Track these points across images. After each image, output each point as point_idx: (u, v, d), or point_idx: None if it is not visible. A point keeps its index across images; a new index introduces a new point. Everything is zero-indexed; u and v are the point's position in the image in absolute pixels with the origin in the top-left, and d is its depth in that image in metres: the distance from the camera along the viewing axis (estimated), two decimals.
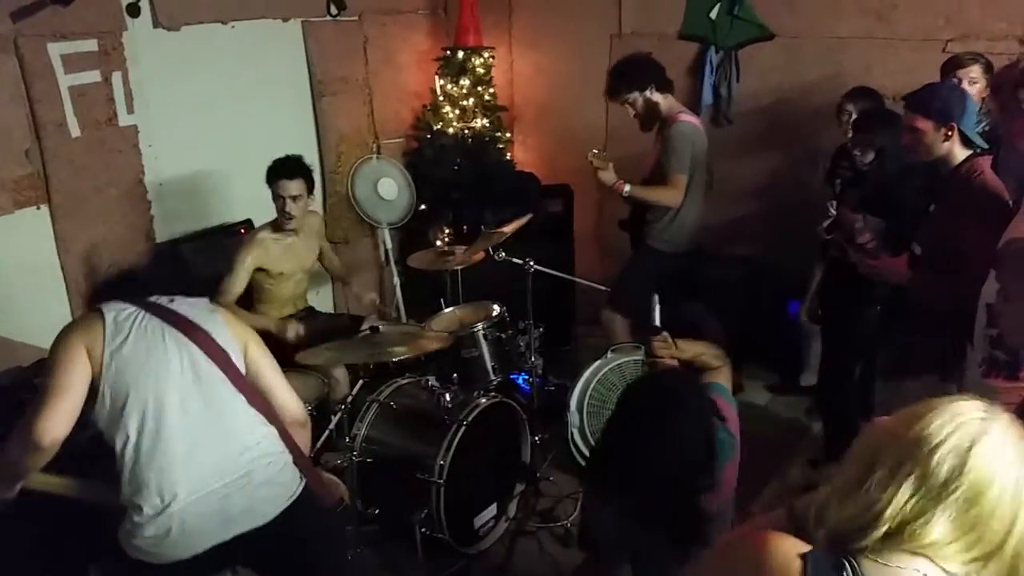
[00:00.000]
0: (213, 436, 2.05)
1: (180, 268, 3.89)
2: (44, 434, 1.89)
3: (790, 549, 1.15)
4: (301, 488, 2.18)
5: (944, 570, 1.10)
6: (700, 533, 2.07)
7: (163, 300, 2.14)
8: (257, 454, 2.10)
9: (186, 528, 1.97)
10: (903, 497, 1.10)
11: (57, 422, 1.90)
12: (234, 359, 2.13)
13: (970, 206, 2.57)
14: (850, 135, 3.77)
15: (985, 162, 2.65)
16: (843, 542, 1.13)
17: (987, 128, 3.30)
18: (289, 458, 2.18)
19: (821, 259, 4.11)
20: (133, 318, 2.05)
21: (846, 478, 1.16)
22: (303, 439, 2.30)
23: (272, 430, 2.16)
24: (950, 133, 2.63)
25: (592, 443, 3.63)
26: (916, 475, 1.11)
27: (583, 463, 3.63)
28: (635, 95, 3.85)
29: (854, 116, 3.73)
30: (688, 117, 3.88)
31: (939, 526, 1.09)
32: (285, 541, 2.12)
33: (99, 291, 2.22)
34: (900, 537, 1.11)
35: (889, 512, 1.10)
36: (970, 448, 1.10)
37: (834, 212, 3.84)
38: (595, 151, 3.96)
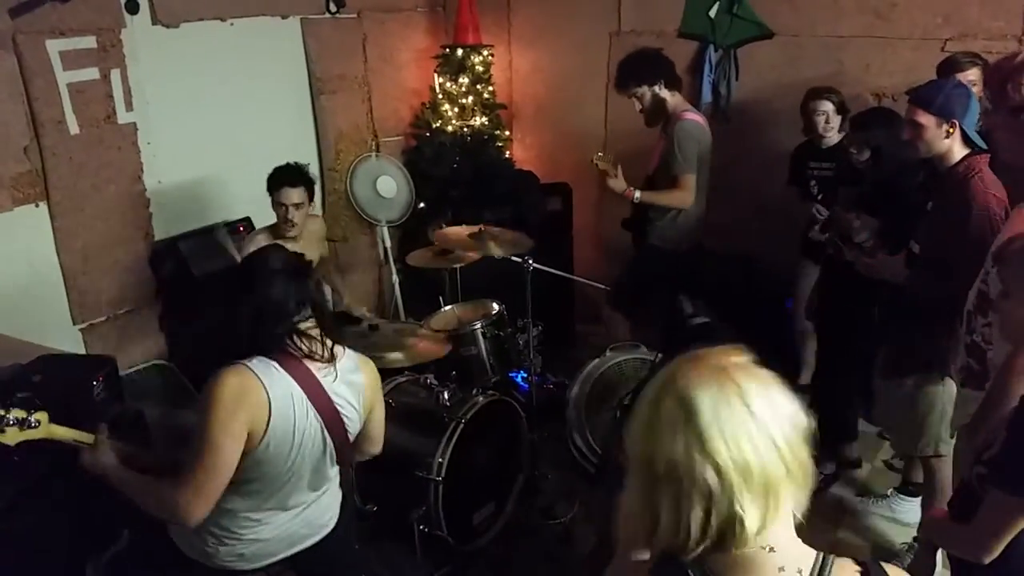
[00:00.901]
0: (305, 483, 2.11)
1: (178, 266, 3.89)
2: (193, 517, 1.88)
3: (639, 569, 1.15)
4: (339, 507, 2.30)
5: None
6: None
7: (315, 366, 2.01)
8: (322, 499, 2.20)
9: (261, 550, 2.09)
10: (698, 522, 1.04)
11: (207, 505, 1.88)
12: (353, 436, 2.15)
13: (967, 204, 2.58)
14: (827, 136, 3.81)
15: (983, 161, 2.66)
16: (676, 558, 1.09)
17: (979, 129, 3.30)
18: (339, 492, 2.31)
19: (807, 258, 4.13)
20: (286, 387, 1.95)
21: (633, 511, 1.11)
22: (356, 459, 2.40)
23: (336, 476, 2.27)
24: (951, 130, 2.63)
25: (591, 441, 3.64)
26: (694, 494, 1.03)
27: (583, 462, 3.65)
28: (643, 89, 3.85)
29: (831, 115, 3.77)
30: (694, 116, 3.88)
31: (748, 517, 1.03)
32: (329, 555, 2.24)
33: (264, 336, 1.98)
34: (724, 544, 1.05)
35: (694, 541, 1.04)
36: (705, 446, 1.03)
37: (821, 214, 3.86)
38: (599, 154, 3.96)
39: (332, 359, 2.04)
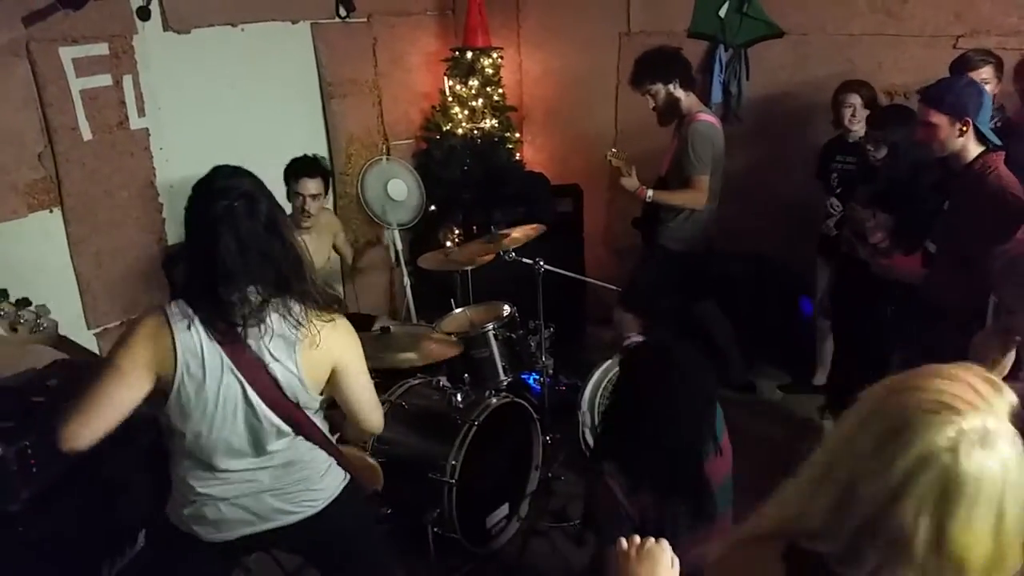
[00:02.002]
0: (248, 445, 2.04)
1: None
2: (69, 441, 1.84)
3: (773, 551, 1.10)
4: (340, 489, 2.21)
5: None
6: (706, 505, 2.14)
7: (254, 334, 1.93)
8: (290, 466, 2.10)
9: (221, 516, 2.04)
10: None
11: (86, 434, 1.84)
12: (304, 402, 2.03)
13: (984, 203, 2.56)
14: (853, 129, 3.78)
15: (999, 158, 2.64)
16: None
17: (999, 124, 3.28)
18: (329, 464, 2.19)
19: (821, 256, 4.11)
20: (200, 349, 1.90)
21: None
22: (356, 439, 2.35)
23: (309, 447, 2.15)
24: (965, 128, 2.61)
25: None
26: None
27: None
28: (658, 87, 3.85)
29: (858, 109, 3.74)
30: (707, 116, 3.87)
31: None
32: (322, 534, 2.18)
33: (189, 287, 1.98)
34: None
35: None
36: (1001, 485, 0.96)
37: (834, 209, 3.84)
38: (613, 150, 3.96)
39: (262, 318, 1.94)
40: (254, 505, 2.06)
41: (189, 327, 1.89)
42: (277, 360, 1.95)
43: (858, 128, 3.82)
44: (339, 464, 2.21)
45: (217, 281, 1.89)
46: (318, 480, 2.15)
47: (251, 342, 1.93)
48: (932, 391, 1.01)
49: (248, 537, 2.09)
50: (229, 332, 1.91)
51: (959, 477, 0.95)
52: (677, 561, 1.44)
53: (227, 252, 1.89)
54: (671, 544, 1.45)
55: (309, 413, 2.07)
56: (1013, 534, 0.96)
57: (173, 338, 1.87)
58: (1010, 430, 0.99)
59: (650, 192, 3.84)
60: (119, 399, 1.84)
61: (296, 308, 1.97)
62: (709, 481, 2.19)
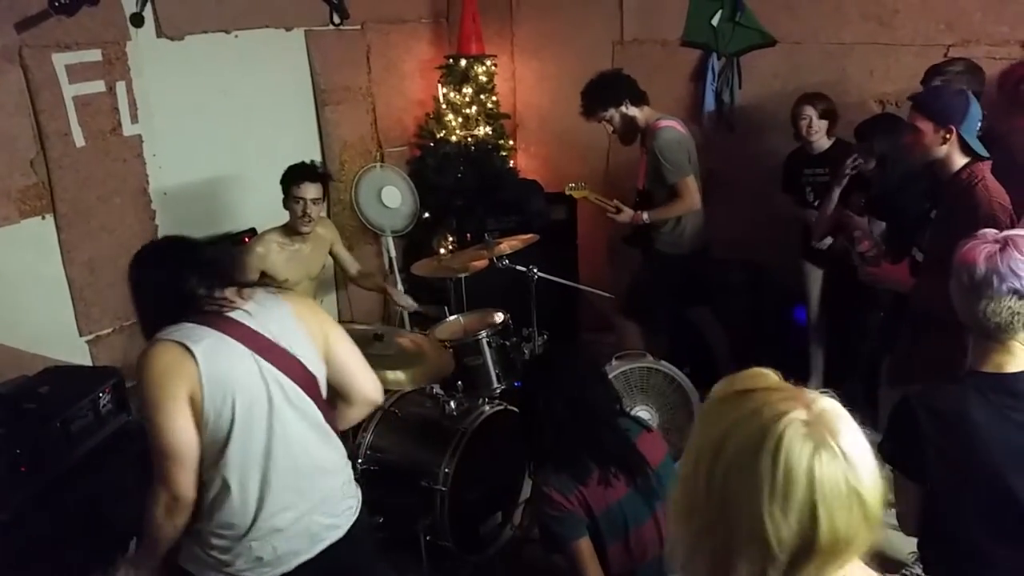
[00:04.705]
0: (306, 465, 2.02)
1: None
2: (184, 496, 1.86)
3: None
4: (360, 495, 2.21)
5: None
6: (646, 477, 2.33)
7: (241, 313, 1.96)
8: (334, 470, 2.12)
9: (279, 554, 1.98)
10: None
11: (189, 480, 1.86)
12: (318, 376, 2.05)
13: (971, 212, 2.57)
14: (813, 140, 3.83)
15: (985, 168, 2.65)
16: None
17: (979, 134, 3.31)
18: (348, 463, 2.20)
19: (808, 262, 4.14)
20: (220, 350, 1.89)
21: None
22: (361, 416, 2.28)
23: (341, 450, 2.16)
24: (948, 136, 2.63)
25: None
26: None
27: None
28: (611, 112, 3.90)
29: (814, 120, 3.79)
30: (668, 122, 3.89)
31: None
32: (360, 547, 2.16)
33: (164, 310, 1.95)
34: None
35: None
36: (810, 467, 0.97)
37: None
38: (572, 184, 4.03)
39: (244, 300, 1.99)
40: (307, 522, 2.01)
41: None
42: (284, 333, 1.99)
43: (816, 139, 3.88)
44: None
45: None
46: (345, 481, 2.15)
47: (252, 323, 1.95)
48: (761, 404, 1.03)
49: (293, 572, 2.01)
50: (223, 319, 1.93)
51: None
52: None
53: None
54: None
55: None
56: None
57: (190, 350, 1.85)
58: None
59: (645, 215, 3.89)
60: (186, 446, 1.85)
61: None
62: (643, 455, 2.35)
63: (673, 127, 3.89)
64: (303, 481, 2.00)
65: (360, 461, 3.09)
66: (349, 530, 2.10)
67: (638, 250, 4.25)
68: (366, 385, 2.18)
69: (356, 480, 2.23)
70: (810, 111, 3.82)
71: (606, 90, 3.89)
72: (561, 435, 2.32)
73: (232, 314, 1.94)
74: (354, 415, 2.24)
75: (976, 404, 1.78)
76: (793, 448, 0.97)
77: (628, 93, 3.89)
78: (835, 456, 0.98)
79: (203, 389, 1.83)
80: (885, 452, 1.87)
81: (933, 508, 1.87)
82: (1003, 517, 1.79)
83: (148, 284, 2.02)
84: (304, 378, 2.00)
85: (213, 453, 1.89)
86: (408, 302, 3.96)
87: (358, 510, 2.17)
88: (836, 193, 3.48)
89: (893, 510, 3.51)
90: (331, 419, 2.11)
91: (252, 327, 1.95)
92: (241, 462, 1.91)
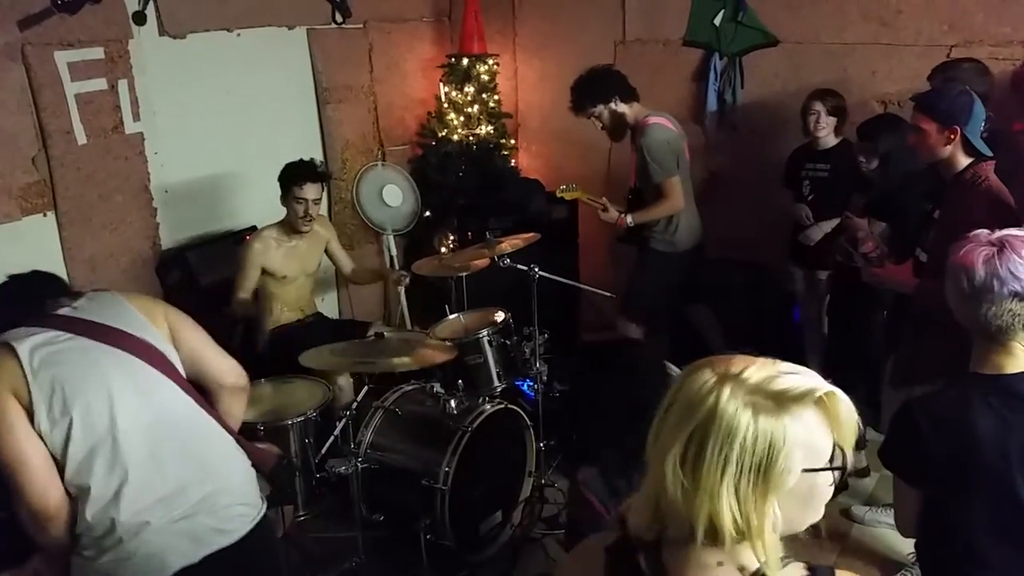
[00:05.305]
0: (171, 452, 1.89)
1: (185, 275, 3.90)
2: (52, 505, 1.76)
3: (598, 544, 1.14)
4: (265, 506, 2.05)
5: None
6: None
7: (68, 309, 1.92)
8: (219, 466, 1.97)
9: (152, 551, 1.82)
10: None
11: (51, 488, 1.76)
12: (171, 357, 1.96)
13: (975, 212, 2.57)
14: (819, 136, 3.83)
15: (989, 168, 2.65)
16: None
17: (984, 135, 3.30)
18: (250, 468, 2.05)
19: (795, 264, 4.15)
20: (50, 344, 1.81)
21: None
22: (238, 407, 2.14)
23: (220, 432, 2.01)
24: (952, 136, 2.63)
25: None
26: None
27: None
28: (600, 108, 3.87)
29: (822, 116, 3.80)
30: (656, 119, 3.87)
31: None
32: (255, 559, 1.99)
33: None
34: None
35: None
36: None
37: (808, 219, 3.89)
38: (563, 187, 4.02)
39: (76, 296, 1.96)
40: (186, 523, 1.86)
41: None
42: (123, 318, 1.94)
43: (823, 135, 3.88)
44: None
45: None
46: (239, 480, 2.00)
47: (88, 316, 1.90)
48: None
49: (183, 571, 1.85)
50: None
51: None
52: None
53: None
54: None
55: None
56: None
57: (12, 347, 1.79)
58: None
59: (629, 218, 3.87)
60: (27, 455, 1.77)
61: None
62: None
63: (662, 124, 3.86)
64: (170, 474, 1.86)
65: (360, 460, 3.08)
66: (244, 537, 1.93)
67: (635, 250, 4.25)
68: (221, 367, 2.08)
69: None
70: (819, 106, 3.83)
71: (595, 86, 3.88)
72: (615, 442, 2.19)
73: (61, 311, 1.90)
74: (227, 407, 2.10)
75: (978, 408, 1.77)
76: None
77: (617, 90, 3.87)
78: None
79: (29, 386, 1.75)
80: (886, 458, 1.89)
81: (934, 512, 1.87)
82: (1006, 518, 1.79)
83: None
84: (158, 359, 1.91)
85: (57, 452, 1.77)
86: (400, 274, 3.95)
87: (257, 518, 1.99)
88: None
89: (892, 510, 3.52)
90: (209, 410, 2.00)
91: (86, 318, 1.89)
92: (88, 458, 1.79)
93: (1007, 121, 3.43)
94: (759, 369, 1.04)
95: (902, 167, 3.24)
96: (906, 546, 3.31)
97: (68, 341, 1.84)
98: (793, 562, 1.07)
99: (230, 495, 1.95)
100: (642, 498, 1.07)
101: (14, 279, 2.06)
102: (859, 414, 1.11)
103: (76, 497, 1.80)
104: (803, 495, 1.03)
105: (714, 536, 0.99)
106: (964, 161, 2.66)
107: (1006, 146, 2.92)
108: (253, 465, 2.08)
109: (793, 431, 0.99)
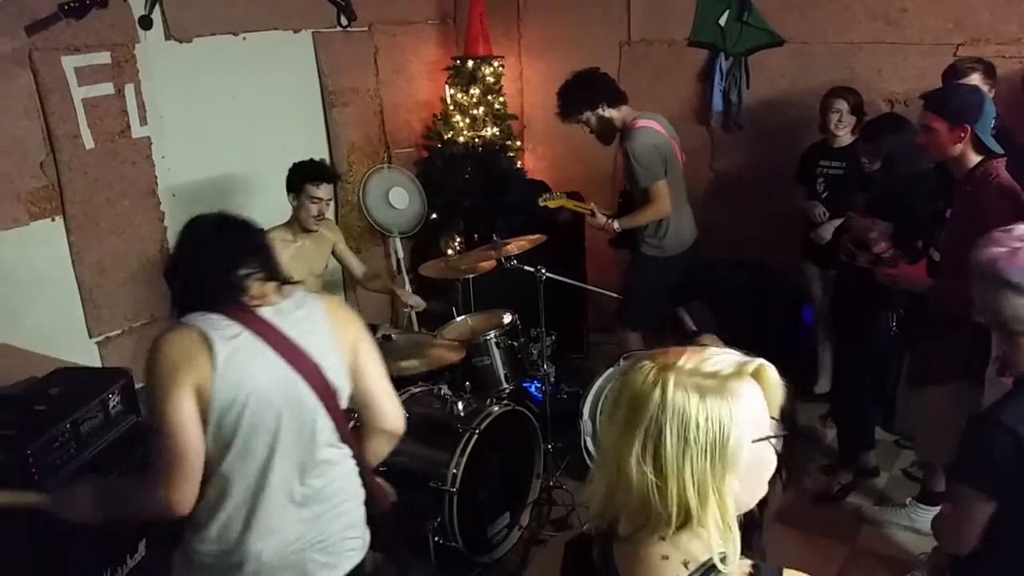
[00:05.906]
0: (306, 491, 1.88)
1: None
2: (181, 506, 1.73)
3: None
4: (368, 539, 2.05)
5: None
6: None
7: (271, 311, 1.82)
8: (337, 502, 1.95)
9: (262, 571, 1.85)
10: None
11: (190, 489, 1.73)
12: (339, 389, 1.89)
13: (986, 210, 2.56)
14: (839, 134, 3.82)
15: (1000, 165, 2.64)
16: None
17: (993, 132, 3.29)
18: (361, 498, 2.03)
19: (811, 262, 4.14)
20: (243, 349, 1.75)
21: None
22: (385, 450, 2.11)
23: (352, 465, 1.99)
24: (963, 135, 2.62)
25: None
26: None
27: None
28: (587, 114, 3.83)
29: (844, 114, 3.79)
30: (644, 122, 3.81)
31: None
32: None
33: (204, 295, 1.80)
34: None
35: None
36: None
37: (822, 216, 3.88)
38: (546, 195, 4.00)
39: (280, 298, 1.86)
40: (298, 553, 1.85)
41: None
42: (314, 342, 1.84)
43: (843, 134, 3.87)
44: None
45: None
46: (355, 512, 1.98)
47: (282, 325, 1.81)
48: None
49: None
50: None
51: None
52: None
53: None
54: None
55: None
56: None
57: (208, 340, 1.72)
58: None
59: (616, 224, 3.83)
60: (188, 446, 1.72)
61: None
62: None
63: (649, 128, 3.80)
64: (301, 508, 1.86)
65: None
66: (349, 573, 1.95)
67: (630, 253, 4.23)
68: (390, 412, 2.01)
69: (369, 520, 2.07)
70: (842, 104, 3.82)
71: (583, 91, 3.82)
72: None
73: (262, 311, 1.81)
74: (375, 448, 2.07)
75: None
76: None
77: (604, 95, 3.82)
78: None
79: (214, 386, 1.70)
80: (961, 474, 1.85)
81: (1010, 522, 1.82)
82: None
83: (196, 264, 1.86)
84: (322, 387, 1.84)
85: (212, 459, 1.76)
86: (416, 300, 3.95)
87: (363, 552, 2.00)
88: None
89: (903, 510, 3.50)
90: (348, 440, 1.96)
91: (276, 325, 1.81)
92: (237, 474, 1.78)
93: (1015, 119, 3.42)
94: (691, 355, 1.07)
95: (905, 167, 3.23)
96: (916, 546, 3.30)
97: (260, 350, 1.78)
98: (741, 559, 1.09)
99: (343, 529, 1.95)
100: (594, 494, 1.09)
101: (222, 228, 1.91)
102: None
103: (207, 505, 1.80)
104: (755, 468, 1.05)
105: (686, 523, 1.02)
106: (975, 159, 2.65)
107: (1014, 144, 2.91)
108: (365, 502, 2.06)
109: (738, 406, 1.02)
